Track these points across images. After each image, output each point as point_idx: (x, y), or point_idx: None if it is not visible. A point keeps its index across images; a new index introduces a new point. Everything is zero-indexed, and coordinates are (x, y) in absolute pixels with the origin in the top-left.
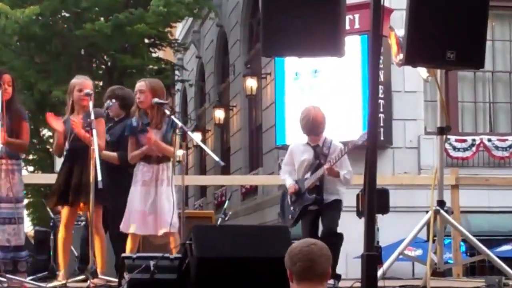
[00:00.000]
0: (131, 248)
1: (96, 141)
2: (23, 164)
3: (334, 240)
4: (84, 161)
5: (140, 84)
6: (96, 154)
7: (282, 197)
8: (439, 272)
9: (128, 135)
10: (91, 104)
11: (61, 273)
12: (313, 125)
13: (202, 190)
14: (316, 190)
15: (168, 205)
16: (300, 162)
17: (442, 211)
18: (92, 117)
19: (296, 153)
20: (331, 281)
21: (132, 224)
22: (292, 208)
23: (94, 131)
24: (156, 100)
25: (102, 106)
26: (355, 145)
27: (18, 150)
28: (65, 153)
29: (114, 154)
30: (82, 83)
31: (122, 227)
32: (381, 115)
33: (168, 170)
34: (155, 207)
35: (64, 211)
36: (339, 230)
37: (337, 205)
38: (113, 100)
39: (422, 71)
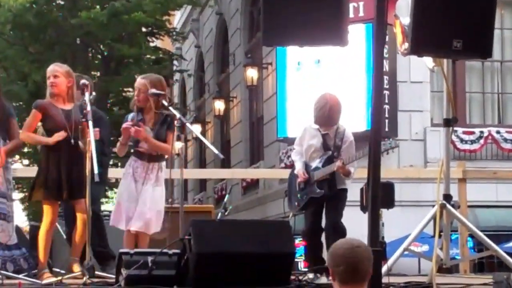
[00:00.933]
0: (127, 244)
1: (92, 133)
2: (17, 157)
3: (338, 236)
4: (73, 156)
5: (139, 82)
6: (93, 146)
7: (290, 179)
8: (445, 268)
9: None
10: (87, 94)
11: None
12: (329, 117)
13: (202, 184)
14: (327, 183)
15: (149, 205)
16: (308, 146)
17: (448, 206)
18: (88, 108)
19: (306, 135)
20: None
21: (120, 218)
22: (299, 195)
23: (90, 122)
24: (152, 91)
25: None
26: (359, 157)
27: (16, 151)
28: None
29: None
30: (50, 70)
31: (113, 222)
32: (386, 106)
33: (160, 170)
34: (136, 203)
35: (52, 207)
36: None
37: (343, 195)
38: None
39: (428, 61)
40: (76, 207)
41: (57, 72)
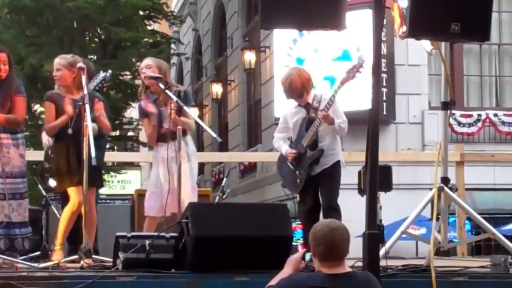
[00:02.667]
0: (148, 230)
1: (89, 117)
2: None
3: (334, 218)
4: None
5: (147, 61)
6: (90, 130)
7: (280, 168)
8: (443, 251)
9: (141, 119)
10: (84, 78)
11: (57, 249)
12: (290, 90)
13: (200, 167)
14: (316, 145)
15: (189, 183)
16: (294, 123)
17: (446, 188)
18: (85, 91)
19: (288, 117)
20: None
21: (151, 206)
22: (297, 172)
23: (87, 106)
24: (150, 74)
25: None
26: (345, 81)
27: (10, 125)
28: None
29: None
30: (54, 64)
31: (147, 211)
32: (384, 90)
33: (187, 146)
34: (175, 186)
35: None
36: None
37: (337, 171)
38: (109, 71)
39: (426, 44)
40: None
41: (58, 65)
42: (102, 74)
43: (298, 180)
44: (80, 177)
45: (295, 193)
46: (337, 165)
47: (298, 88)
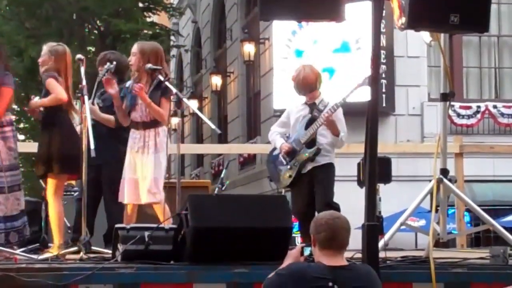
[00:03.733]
0: (128, 219)
1: (88, 108)
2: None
3: None
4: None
5: (133, 47)
6: (89, 121)
7: (270, 161)
8: (442, 243)
9: (123, 97)
10: (82, 69)
11: (55, 245)
12: (303, 84)
13: (199, 159)
14: (314, 145)
15: (153, 173)
16: (295, 119)
17: (445, 180)
18: (84, 82)
19: (293, 112)
20: None
21: (122, 193)
22: (288, 166)
23: (85, 97)
24: (149, 66)
25: (96, 72)
26: (359, 86)
27: None
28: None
29: (111, 117)
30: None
31: (119, 197)
32: (383, 81)
33: (157, 136)
34: (140, 175)
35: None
36: (339, 200)
37: (330, 171)
38: (114, 62)
39: (425, 36)
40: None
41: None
42: (106, 66)
43: (288, 175)
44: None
45: (281, 188)
46: (330, 166)
47: (311, 82)
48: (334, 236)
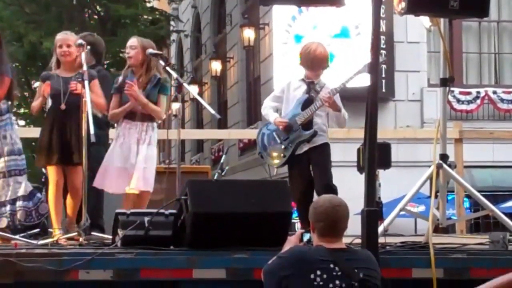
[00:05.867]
0: (126, 206)
1: (89, 93)
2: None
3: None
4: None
5: (132, 41)
6: (89, 107)
7: (262, 136)
8: (442, 228)
9: (113, 93)
10: (83, 55)
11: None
12: (313, 57)
13: (199, 145)
14: (311, 126)
15: (145, 164)
16: (292, 97)
17: (445, 166)
18: (85, 68)
19: (288, 88)
20: None
21: (106, 181)
22: (283, 146)
23: (86, 82)
24: (150, 50)
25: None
26: (359, 72)
27: None
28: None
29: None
30: (63, 39)
31: (96, 183)
32: (383, 67)
33: (153, 131)
34: (132, 165)
35: (55, 169)
36: (338, 185)
37: (327, 151)
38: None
39: (425, 21)
40: (67, 175)
41: (69, 41)
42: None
43: (282, 154)
44: (60, 156)
45: (275, 166)
46: (326, 146)
47: (323, 59)
48: (334, 225)
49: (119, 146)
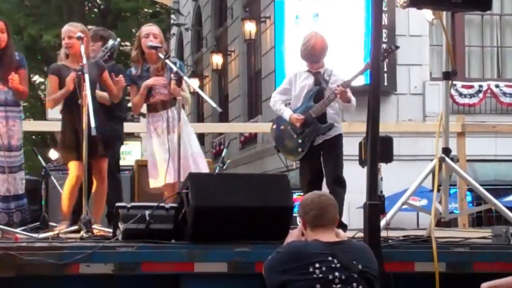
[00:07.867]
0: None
1: (88, 86)
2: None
3: (340, 189)
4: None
5: (153, 28)
6: (89, 100)
7: (277, 132)
8: (444, 222)
9: (129, 85)
10: (82, 47)
11: (64, 222)
12: (311, 52)
13: (200, 138)
14: (325, 117)
15: (192, 148)
16: (300, 88)
17: (447, 159)
18: (84, 61)
19: (297, 79)
20: None
21: (162, 175)
22: (300, 140)
23: (86, 76)
24: (150, 43)
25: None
26: (366, 69)
27: (20, 96)
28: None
29: (105, 94)
30: (66, 30)
31: (153, 183)
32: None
33: (177, 112)
34: (173, 154)
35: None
36: None
37: (340, 142)
38: (118, 39)
39: (428, 14)
40: (94, 166)
41: (71, 33)
42: (111, 43)
43: (300, 149)
44: (87, 151)
45: (292, 160)
46: (339, 137)
47: (319, 52)
48: (323, 213)
49: (155, 141)
